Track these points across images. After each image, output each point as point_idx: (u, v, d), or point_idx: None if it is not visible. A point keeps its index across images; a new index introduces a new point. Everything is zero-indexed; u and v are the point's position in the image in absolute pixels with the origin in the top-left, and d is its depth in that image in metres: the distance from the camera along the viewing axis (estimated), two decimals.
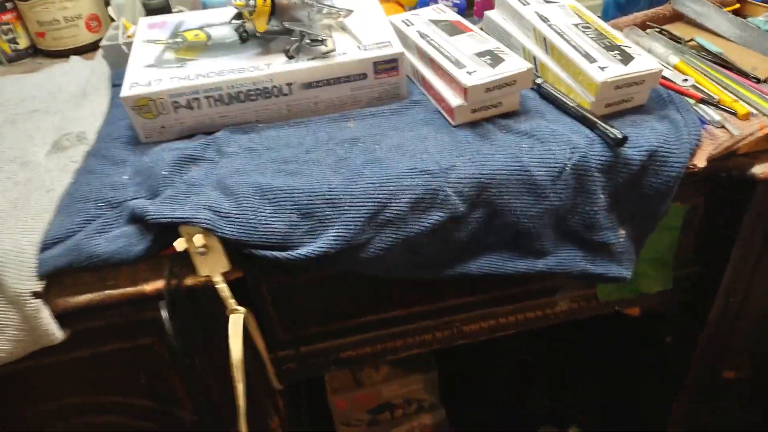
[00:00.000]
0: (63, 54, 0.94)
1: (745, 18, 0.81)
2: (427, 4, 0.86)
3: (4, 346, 0.55)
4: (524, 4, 0.73)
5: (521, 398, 1.27)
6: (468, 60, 0.64)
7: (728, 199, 0.71)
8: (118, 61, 0.82)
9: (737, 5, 0.82)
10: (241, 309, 0.59)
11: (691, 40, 0.75)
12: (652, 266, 0.77)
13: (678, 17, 0.80)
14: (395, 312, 0.75)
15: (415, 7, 0.87)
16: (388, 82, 0.69)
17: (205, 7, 0.84)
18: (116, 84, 0.79)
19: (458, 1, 0.88)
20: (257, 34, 0.68)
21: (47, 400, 0.68)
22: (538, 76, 0.69)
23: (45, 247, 0.54)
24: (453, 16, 0.75)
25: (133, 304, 0.59)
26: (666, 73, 0.70)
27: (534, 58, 0.70)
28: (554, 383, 1.24)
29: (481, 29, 0.81)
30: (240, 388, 0.61)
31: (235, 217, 0.55)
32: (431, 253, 0.61)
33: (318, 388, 1.20)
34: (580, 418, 1.22)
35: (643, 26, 0.79)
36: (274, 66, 0.66)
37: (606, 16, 0.84)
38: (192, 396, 0.70)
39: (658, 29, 0.79)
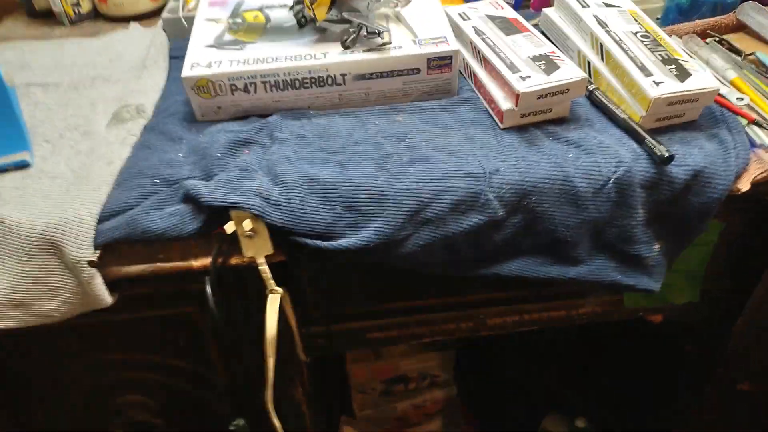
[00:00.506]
0: (123, 20, 0.97)
1: None
2: None
3: (59, 307, 0.59)
4: (584, 6, 0.72)
5: (534, 384, 1.29)
6: (523, 64, 0.64)
7: (763, 221, 0.71)
8: (176, 33, 0.84)
9: None
10: (279, 290, 0.62)
11: (752, 54, 0.73)
12: (682, 278, 0.77)
13: (741, 27, 0.78)
14: (423, 301, 0.78)
15: None
16: (440, 78, 0.70)
17: None
18: (174, 56, 0.82)
19: None
20: (310, 23, 0.69)
21: (94, 354, 0.73)
22: (591, 82, 0.69)
23: (103, 218, 0.58)
24: (510, 12, 0.75)
25: (181, 277, 0.62)
26: (721, 89, 0.69)
27: (588, 63, 0.70)
28: (569, 373, 1.26)
29: (537, 25, 0.81)
30: (271, 362, 0.65)
31: (283, 205, 0.58)
32: (466, 252, 0.63)
33: (339, 356, 1.24)
34: (590, 412, 1.24)
35: (703, 34, 0.78)
36: (330, 56, 0.67)
37: (666, 20, 0.82)
38: (226, 362, 0.74)
39: (718, 39, 0.77)
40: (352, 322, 0.78)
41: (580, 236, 0.63)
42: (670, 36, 0.77)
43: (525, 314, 0.81)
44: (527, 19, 0.82)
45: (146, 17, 0.97)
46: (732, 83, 0.69)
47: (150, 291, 0.66)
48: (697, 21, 0.78)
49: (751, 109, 0.67)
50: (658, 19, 0.83)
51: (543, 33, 0.79)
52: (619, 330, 1.12)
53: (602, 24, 0.69)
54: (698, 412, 0.93)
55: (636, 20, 0.70)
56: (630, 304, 0.80)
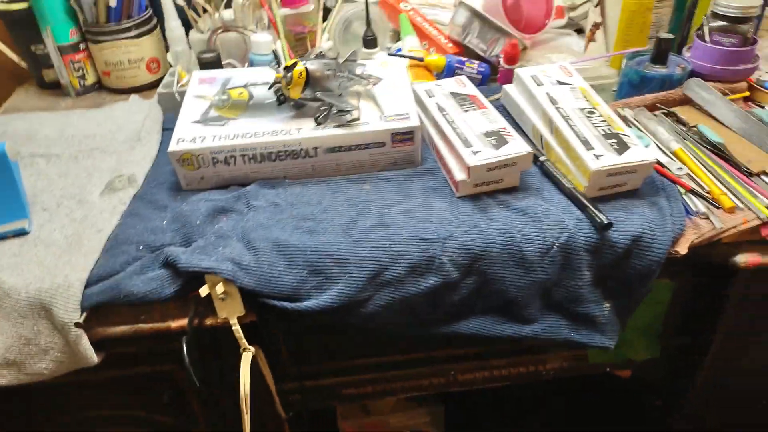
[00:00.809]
0: (124, 91, 1.05)
1: (758, 105, 0.85)
2: (454, 71, 0.93)
3: (48, 366, 0.64)
4: (538, 84, 0.79)
5: None
6: (476, 139, 0.71)
7: (712, 281, 0.75)
8: (170, 106, 0.92)
9: (747, 93, 0.85)
10: (252, 348, 0.67)
11: (695, 126, 0.79)
12: (640, 335, 0.81)
13: (688, 101, 0.85)
14: (395, 357, 0.82)
15: (442, 73, 0.94)
16: (404, 150, 0.76)
17: (251, 63, 0.93)
18: (167, 128, 0.90)
19: (482, 69, 0.94)
20: (288, 101, 0.76)
21: (81, 410, 0.77)
22: (543, 154, 0.75)
23: (90, 283, 0.63)
24: (472, 90, 0.82)
25: (161, 337, 0.67)
26: (664, 159, 0.75)
27: (541, 136, 0.76)
28: (557, 427, 1.27)
29: (499, 99, 0.88)
30: (246, 418, 0.69)
31: (253, 270, 0.63)
32: (425, 312, 0.68)
33: (330, 412, 1.26)
34: None
35: (652, 107, 0.84)
36: (303, 131, 0.74)
37: (621, 94, 0.89)
38: (208, 417, 0.78)
39: (666, 111, 0.83)
40: (325, 378, 0.82)
41: (530, 297, 0.68)
42: (623, 108, 0.84)
43: (494, 370, 0.85)
44: (493, 92, 0.90)
45: (146, 89, 1.05)
46: (675, 154, 0.75)
47: (134, 350, 0.71)
48: (647, 95, 0.85)
49: (691, 178, 0.72)
50: (614, 91, 0.90)
51: (504, 107, 0.86)
52: (596, 386, 1.14)
53: (553, 101, 0.76)
54: None
55: (585, 97, 0.77)
56: (594, 359, 0.84)
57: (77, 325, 0.62)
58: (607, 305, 0.70)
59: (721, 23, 0.82)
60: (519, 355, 0.83)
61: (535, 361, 0.84)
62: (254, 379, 0.75)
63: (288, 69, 0.72)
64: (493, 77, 0.97)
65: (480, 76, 0.94)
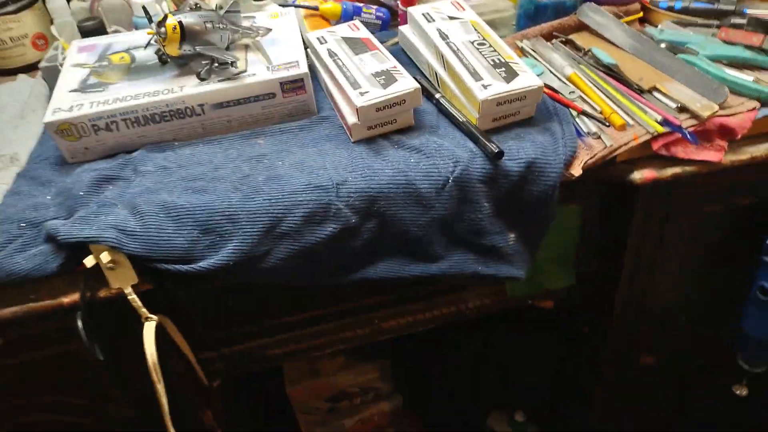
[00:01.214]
0: (11, 72, 0.99)
1: (652, 25, 0.85)
2: (351, 18, 0.91)
3: None
4: (429, 21, 0.78)
5: (474, 383, 1.32)
6: (364, 80, 0.69)
7: (619, 200, 0.76)
8: (56, 80, 0.87)
9: (640, 14, 0.86)
10: (154, 317, 0.65)
11: (589, 50, 0.79)
12: (555, 264, 0.82)
13: (584, 27, 0.84)
14: (316, 312, 0.81)
15: (340, 21, 0.91)
16: (297, 100, 0.74)
17: (137, 27, 0.88)
18: None
19: (381, 14, 0.92)
20: (170, 59, 0.73)
21: None
22: (438, 91, 0.74)
23: None
24: (365, 33, 0.79)
25: (56, 314, 0.64)
26: (558, 84, 0.74)
27: (435, 73, 0.75)
28: (503, 368, 1.30)
29: (398, 43, 0.86)
30: (159, 388, 0.67)
31: (140, 235, 0.61)
32: (330, 261, 0.67)
33: (277, 377, 1.26)
34: (527, 404, 1.28)
35: (549, 36, 0.84)
36: (186, 89, 0.70)
37: (519, 26, 0.88)
38: (125, 395, 0.76)
39: (563, 39, 0.83)
40: (245, 342, 0.81)
41: (433, 234, 0.67)
42: (521, 40, 0.83)
43: (417, 314, 0.85)
44: (393, 35, 0.88)
45: (35, 68, 0.99)
46: (569, 79, 0.75)
47: (31, 333, 0.68)
48: (543, 24, 0.84)
49: (583, 101, 0.72)
50: (513, 25, 0.89)
51: (403, 49, 0.85)
52: (536, 322, 1.16)
53: (444, 36, 0.74)
54: (603, 390, 0.98)
55: (476, 30, 0.76)
56: (513, 293, 0.85)
57: None
58: (512, 235, 0.70)
59: None
60: (439, 296, 0.83)
61: (456, 301, 0.84)
62: (169, 350, 0.73)
63: (160, 24, 0.68)
64: (395, 22, 0.95)
65: (379, 21, 0.92)
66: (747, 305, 0.83)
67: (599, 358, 0.95)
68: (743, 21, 0.78)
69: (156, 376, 0.67)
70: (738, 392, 0.94)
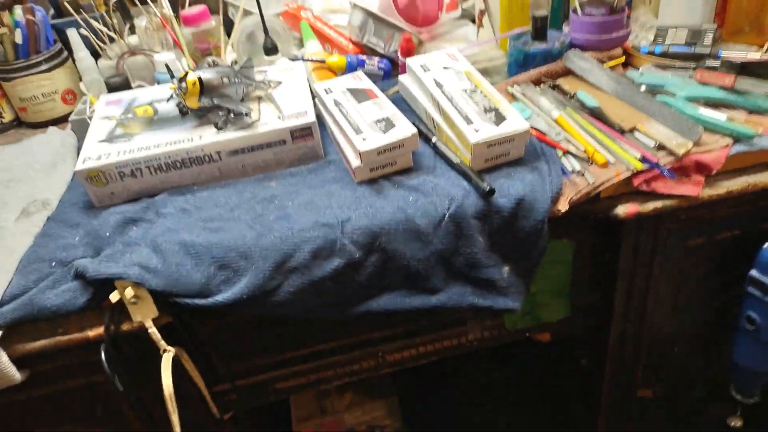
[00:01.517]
0: (43, 125, 1.07)
1: (634, 69, 0.91)
2: (355, 69, 0.98)
3: None
4: (426, 71, 0.84)
5: (479, 418, 1.34)
6: (366, 126, 0.75)
7: (608, 236, 0.80)
8: (84, 132, 0.94)
9: (623, 58, 0.92)
10: (171, 349, 0.70)
11: (575, 94, 0.85)
12: (551, 297, 0.86)
13: (569, 72, 0.91)
14: (324, 345, 0.85)
15: (345, 72, 0.98)
16: (305, 146, 0.80)
17: (159, 82, 0.96)
18: None
19: (383, 65, 0.99)
20: (190, 111, 0.80)
21: (18, 430, 0.78)
22: (434, 135, 0.80)
23: (4, 302, 0.66)
24: (367, 83, 0.86)
25: (83, 347, 0.69)
26: (546, 127, 0.80)
27: (432, 118, 0.81)
28: (507, 403, 1.32)
29: (398, 91, 0.93)
30: (174, 419, 0.71)
31: (161, 271, 0.66)
32: (336, 295, 0.72)
33: (285, 415, 1.29)
34: None
35: (538, 81, 0.90)
36: (205, 137, 0.77)
37: (511, 73, 0.94)
38: (142, 424, 0.80)
39: (551, 84, 0.89)
40: (257, 375, 0.85)
41: (432, 267, 0.72)
42: (513, 86, 0.90)
43: (420, 347, 0.89)
44: (394, 84, 0.95)
45: (64, 120, 1.07)
46: (556, 121, 0.81)
47: (59, 365, 0.73)
48: (532, 71, 0.91)
49: (569, 141, 0.78)
50: (505, 72, 0.96)
51: (402, 97, 0.91)
52: (539, 356, 1.19)
53: (439, 85, 0.81)
54: (604, 422, 1.00)
55: (468, 78, 0.82)
56: (510, 325, 0.89)
57: None
58: (506, 268, 0.75)
59: None
60: (441, 330, 0.87)
61: (457, 334, 0.88)
62: (184, 383, 0.77)
63: (181, 80, 0.76)
64: (396, 72, 1.02)
65: (381, 72, 0.99)
66: (737, 336, 0.86)
67: (598, 390, 0.97)
68: (717, 63, 0.84)
69: (171, 406, 0.71)
70: (733, 424, 0.95)
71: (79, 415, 0.79)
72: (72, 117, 0.96)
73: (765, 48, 0.90)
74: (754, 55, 0.83)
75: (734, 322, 0.85)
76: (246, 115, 0.78)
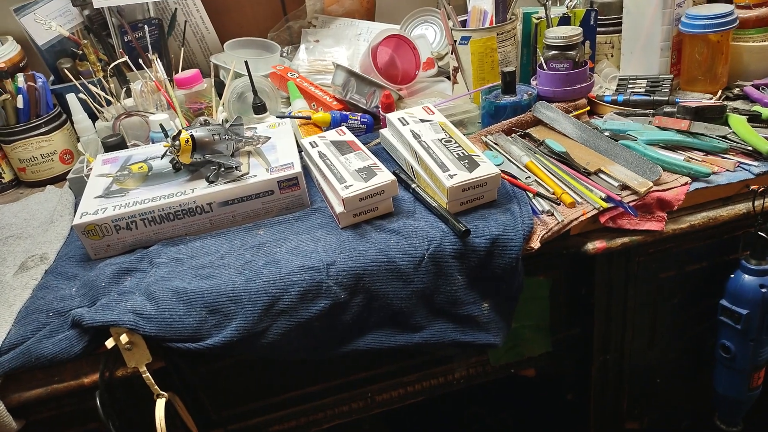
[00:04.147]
0: (41, 184, 1.12)
1: (598, 116, 0.98)
2: (339, 124, 1.04)
3: None
4: (404, 124, 0.90)
5: None
6: (349, 175, 0.80)
7: (582, 271, 0.85)
8: (81, 190, 0.99)
9: (587, 108, 0.99)
10: (165, 394, 0.72)
11: (543, 141, 0.91)
12: (532, 332, 0.89)
13: (538, 122, 0.97)
14: (313, 387, 0.87)
15: (329, 127, 1.04)
16: (292, 195, 0.85)
17: (153, 141, 1.01)
18: None
19: (365, 120, 1.06)
20: (183, 167, 0.85)
21: None
22: (414, 181, 0.85)
23: (2, 352, 0.68)
24: (350, 137, 0.92)
25: (77, 395, 0.72)
26: (517, 171, 0.86)
27: (411, 167, 0.87)
28: None
29: (380, 143, 0.99)
30: None
31: (154, 317, 0.69)
32: (323, 335, 0.75)
33: None
34: None
35: (509, 131, 0.96)
36: (197, 191, 0.82)
37: (484, 124, 1.01)
38: None
39: (521, 133, 0.95)
40: (249, 419, 0.86)
41: (414, 306, 0.75)
42: (486, 136, 0.96)
43: (408, 386, 0.91)
44: (376, 137, 1.01)
45: (61, 179, 1.12)
46: (526, 166, 0.86)
47: (54, 413, 0.74)
48: (503, 122, 0.97)
49: (539, 184, 0.83)
50: (479, 123, 1.02)
51: (384, 149, 0.97)
52: (528, 392, 1.21)
53: (417, 136, 0.87)
54: None
55: (443, 130, 0.88)
56: (494, 361, 0.91)
57: None
58: (486, 305, 0.78)
59: (553, 52, 0.97)
60: (428, 368, 0.90)
61: (443, 372, 0.90)
62: (177, 428, 0.79)
63: (174, 138, 0.81)
64: (378, 125, 1.09)
65: (364, 126, 1.06)
66: (715, 365, 0.89)
67: (586, 424, 0.99)
68: (674, 109, 0.91)
69: None
70: None
71: None
72: (70, 176, 1.00)
73: (718, 95, 0.98)
74: (708, 102, 0.90)
75: (711, 351, 0.88)
76: (236, 168, 0.83)
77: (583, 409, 0.99)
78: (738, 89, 0.98)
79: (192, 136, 0.82)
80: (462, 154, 0.82)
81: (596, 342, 0.89)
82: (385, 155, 0.95)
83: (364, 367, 0.88)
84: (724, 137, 0.85)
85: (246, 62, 1.01)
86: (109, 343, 0.68)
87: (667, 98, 0.96)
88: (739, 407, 0.90)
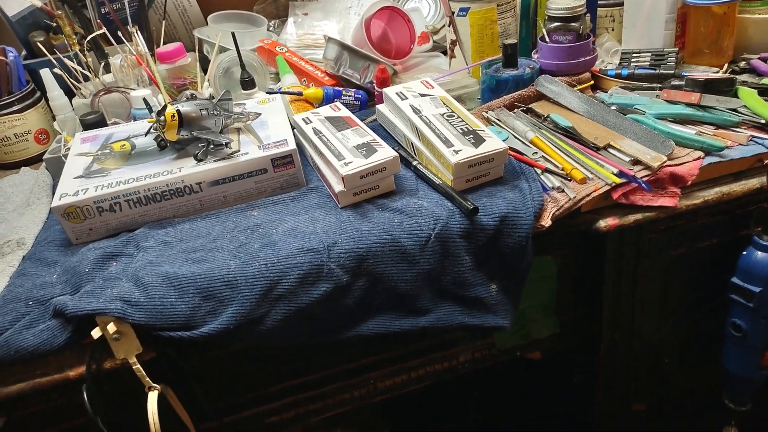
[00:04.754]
0: (15, 165, 1.05)
1: (602, 91, 0.95)
2: (332, 101, 0.99)
3: None
4: (402, 99, 0.86)
5: None
6: (347, 152, 0.76)
7: (591, 249, 0.82)
8: (59, 170, 0.93)
9: (591, 82, 0.95)
10: (157, 386, 0.67)
11: (548, 116, 0.87)
12: (539, 313, 0.86)
13: (541, 96, 0.94)
14: (313, 375, 0.83)
15: (322, 103, 0.99)
16: (287, 174, 0.80)
17: (135, 119, 0.96)
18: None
19: (359, 96, 1.01)
20: (170, 143, 0.79)
21: None
22: (415, 158, 0.81)
23: None
24: (345, 112, 0.87)
25: (62, 389, 0.67)
26: (522, 147, 0.82)
27: (411, 143, 0.82)
28: (499, 427, 1.30)
29: (376, 119, 0.94)
30: None
31: (144, 305, 0.64)
32: (325, 320, 0.71)
33: None
34: None
35: (511, 106, 0.92)
36: (185, 169, 0.77)
37: (484, 99, 0.97)
38: None
39: (524, 108, 0.92)
40: (246, 410, 0.82)
41: (420, 288, 0.72)
42: (487, 111, 0.92)
43: (411, 372, 0.87)
44: (371, 114, 0.96)
45: (37, 160, 1.06)
46: (531, 142, 0.83)
47: (38, 409, 0.69)
48: (505, 96, 0.93)
49: (546, 160, 0.79)
50: (479, 99, 0.98)
51: (380, 125, 0.93)
52: (528, 375, 1.18)
53: (417, 111, 0.82)
54: None
55: (444, 104, 0.84)
56: (501, 344, 0.88)
57: None
58: (494, 286, 0.75)
59: (556, 24, 0.93)
60: (431, 353, 0.86)
61: (448, 357, 0.87)
62: (170, 422, 0.74)
63: (160, 113, 0.75)
64: (372, 103, 1.04)
65: (358, 102, 1.01)
66: (725, 343, 0.88)
67: (592, 406, 0.97)
68: (682, 82, 0.88)
69: None
70: None
71: None
72: (46, 156, 0.94)
73: (724, 69, 0.95)
74: (716, 75, 0.87)
75: (721, 329, 0.86)
76: (226, 145, 0.78)
77: (589, 391, 0.97)
78: (744, 62, 0.95)
79: (178, 110, 0.76)
80: (466, 129, 0.78)
81: (605, 322, 0.86)
82: (381, 132, 0.91)
83: (365, 353, 0.84)
84: (735, 110, 0.83)
85: (233, 34, 0.95)
86: (96, 333, 0.63)
87: (673, 72, 0.92)
88: (749, 386, 0.88)
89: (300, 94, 0.98)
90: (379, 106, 0.92)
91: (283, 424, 0.85)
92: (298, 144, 0.85)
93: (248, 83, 0.97)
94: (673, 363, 0.96)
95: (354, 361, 0.84)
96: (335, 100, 0.99)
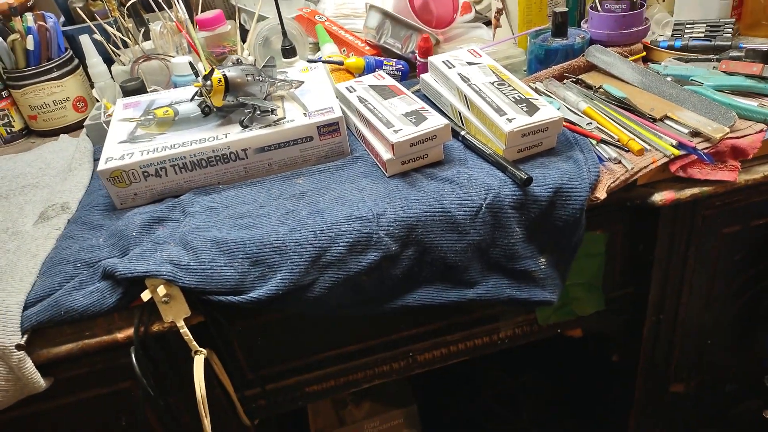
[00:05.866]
0: (53, 133, 1.05)
1: (654, 63, 0.91)
2: (374, 70, 0.97)
3: None
4: (450, 67, 0.84)
5: (502, 425, 1.31)
6: (396, 120, 0.74)
7: (643, 225, 0.79)
8: (99, 137, 0.92)
9: (643, 53, 0.92)
10: (203, 351, 0.67)
11: (600, 87, 0.84)
12: (584, 290, 0.84)
13: (592, 67, 0.91)
14: (353, 346, 0.83)
15: (363, 73, 0.97)
16: (332, 142, 0.79)
17: (176, 86, 0.94)
18: (97, 158, 0.89)
19: (401, 66, 0.99)
20: (215, 109, 0.78)
21: None
22: (463, 128, 0.79)
23: (28, 305, 0.63)
24: (390, 81, 0.85)
25: (109, 351, 0.67)
26: (575, 118, 0.79)
27: (459, 113, 0.80)
28: (533, 407, 1.29)
29: (419, 89, 0.92)
30: (206, 423, 0.68)
31: (194, 268, 0.64)
32: (372, 290, 0.69)
33: (304, 424, 1.25)
34: None
35: (560, 77, 0.90)
36: (231, 135, 0.75)
37: (531, 70, 0.94)
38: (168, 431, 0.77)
39: (574, 79, 0.89)
40: (286, 379, 0.82)
41: (469, 260, 0.70)
42: (534, 82, 0.89)
43: (451, 345, 0.86)
44: (413, 85, 0.94)
45: (75, 128, 1.06)
46: (584, 112, 0.80)
47: (84, 371, 0.70)
48: (554, 67, 0.90)
49: (601, 131, 0.77)
50: (524, 70, 0.96)
51: (424, 96, 0.90)
52: (562, 354, 1.17)
53: (465, 79, 0.80)
54: (636, 418, 0.98)
55: (494, 72, 0.81)
56: (543, 320, 0.87)
57: (19, 347, 0.61)
58: (543, 260, 0.73)
59: None
60: (472, 327, 0.85)
61: (489, 331, 0.86)
62: (213, 388, 0.75)
63: (206, 78, 0.74)
64: (413, 74, 1.02)
65: (399, 73, 0.99)
66: None
67: (630, 387, 0.95)
68: (741, 53, 0.84)
69: (204, 410, 0.68)
70: None
71: (102, 426, 0.75)
72: (87, 122, 0.94)
73: None
74: None
75: (766, 312, 0.84)
76: (272, 112, 0.77)
77: (628, 371, 0.95)
78: None
79: (225, 75, 0.75)
80: (519, 98, 0.75)
81: (652, 300, 0.84)
82: (426, 102, 0.89)
83: (406, 325, 0.83)
84: None
85: (276, 1, 0.93)
86: (145, 296, 0.63)
87: (730, 43, 0.89)
88: None
89: (341, 63, 0.97)
90: (424, 75, 0.89)
91: (323, 394, 0.84)
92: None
93: (289, 51, 0.95)
94: (715, 345, 0.94)
95: (394, 333, 0.83)
96: (376, 70, 0.97)
